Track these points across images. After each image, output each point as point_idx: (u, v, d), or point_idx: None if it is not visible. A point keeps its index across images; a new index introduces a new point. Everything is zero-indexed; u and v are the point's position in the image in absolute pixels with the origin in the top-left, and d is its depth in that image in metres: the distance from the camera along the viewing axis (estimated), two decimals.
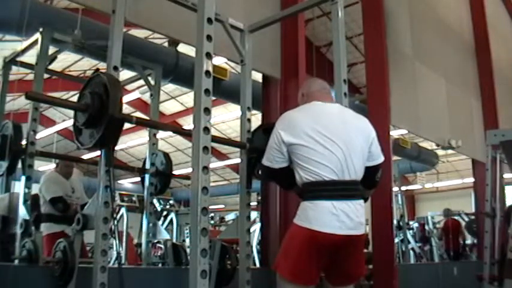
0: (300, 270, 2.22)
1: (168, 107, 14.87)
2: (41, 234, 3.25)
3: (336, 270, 2.33)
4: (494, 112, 8.18)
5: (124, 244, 6.33)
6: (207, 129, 2.22)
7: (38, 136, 3.73)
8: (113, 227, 2.64)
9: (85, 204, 3.92)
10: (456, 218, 9.89)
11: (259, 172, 3.27)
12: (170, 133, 13.22)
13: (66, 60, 10.58)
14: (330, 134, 2.26)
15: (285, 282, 2.26)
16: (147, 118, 4.89)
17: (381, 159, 2.48)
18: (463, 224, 9.94)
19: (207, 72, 2.26)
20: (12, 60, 4.21)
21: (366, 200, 2.47)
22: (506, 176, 5.20)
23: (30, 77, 5.76)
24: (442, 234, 9.56)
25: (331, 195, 2.20)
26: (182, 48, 5.93)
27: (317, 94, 2.50)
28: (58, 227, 3.90)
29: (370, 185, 2.50)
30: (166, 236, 4.59)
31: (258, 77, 4.72)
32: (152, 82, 4.58)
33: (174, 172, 4.38)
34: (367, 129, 2.45)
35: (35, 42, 3.85)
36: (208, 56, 2.28)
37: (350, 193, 2.24)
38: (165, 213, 9.60)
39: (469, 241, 9.95)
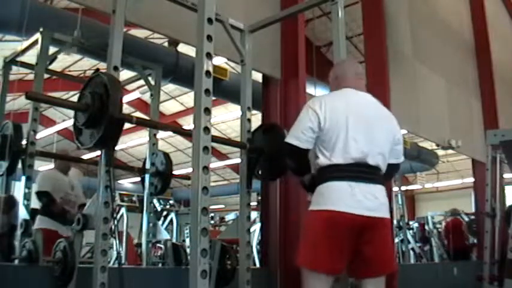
0: (319, 256, 2.12)
1: (168, 107, 14.86)
2: (41, 235, 3.24)
3: (360, 260, 2.18)
4: (494, 112, 8.17)
5: (124, 244, 6.32)
6: (207, 129, 2.22)
7: (38, 136, 3.73)
8: (113, 227, 2.64)
9: (84, 204, 3.92)
10: (457, 217, 9.87)
11: (260, 172, 3.27)
12: (170, 133, 13.21)
13: (66, 60, 10.55)
14: (357, 123, 2.26)
15: (307, 274, 2.17)
16: (147, 118, 4.88)
17: (402, 159, 2.50)
18: (463, 224, 9.91)
19: (207, 72, 2.26)
20: (12, 60, 4.21)
21: None
22: (506, 176, 5.20)
23: (30, 77, 5.74)
24: (447, 233, 9.50)
25: (347, 175, 2.16)
26: (182, 48, 5.93)
27: (350, 80, 2.47)
28: (51, 224, 3.86)
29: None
30: (166, 236, 4.59)
31: (258, 77, 4.71)
32: (152, 82, 4.58)
33: (174, 172, 4.37)
34: (395, 128, 2.51)
35: (35, 42, 3.84)
36: (209, 56, 2.28)
37: (368, 176, 2.20)
38: (165, 213, 9.59)
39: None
